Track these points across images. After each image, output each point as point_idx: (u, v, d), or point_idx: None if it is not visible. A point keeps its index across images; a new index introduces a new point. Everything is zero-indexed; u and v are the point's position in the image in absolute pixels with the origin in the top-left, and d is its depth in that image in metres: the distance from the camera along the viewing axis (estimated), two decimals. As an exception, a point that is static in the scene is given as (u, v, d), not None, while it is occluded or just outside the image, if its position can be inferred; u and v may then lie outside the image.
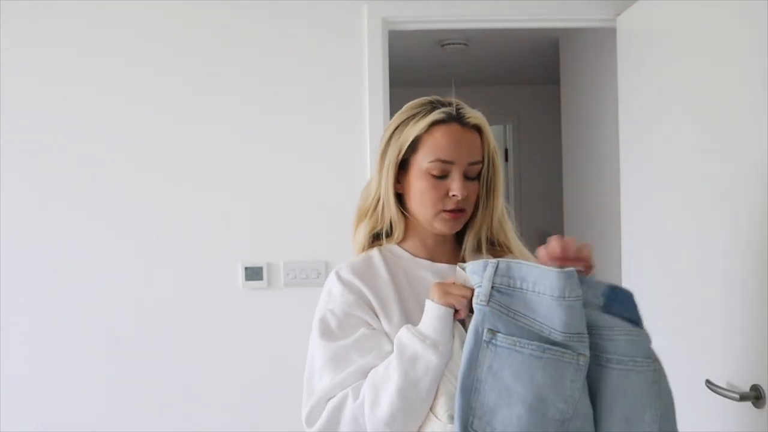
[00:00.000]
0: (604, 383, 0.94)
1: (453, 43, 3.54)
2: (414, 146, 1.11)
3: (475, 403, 0.91)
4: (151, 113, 2.16)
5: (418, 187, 1.12)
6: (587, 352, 0.92)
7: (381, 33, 2.18)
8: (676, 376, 1.75)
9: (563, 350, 0.91)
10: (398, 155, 1.12)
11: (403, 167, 1.14)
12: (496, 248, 1.19)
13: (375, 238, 1.21)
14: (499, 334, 0.92)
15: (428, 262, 1.16)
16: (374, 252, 1.19)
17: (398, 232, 1.17)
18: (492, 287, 0.94)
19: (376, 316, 1.10)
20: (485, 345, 0.93)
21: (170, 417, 2.15)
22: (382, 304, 1.11)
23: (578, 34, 3.17)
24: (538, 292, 0.93)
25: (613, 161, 2.42)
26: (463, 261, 1.15)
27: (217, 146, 2.17)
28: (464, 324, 1.01)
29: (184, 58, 2.17)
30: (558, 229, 3.83)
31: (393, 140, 1.13)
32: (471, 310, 0.97)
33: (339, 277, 1.14)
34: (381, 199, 1.16)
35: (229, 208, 2.18)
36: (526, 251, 1.21)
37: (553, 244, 1.00)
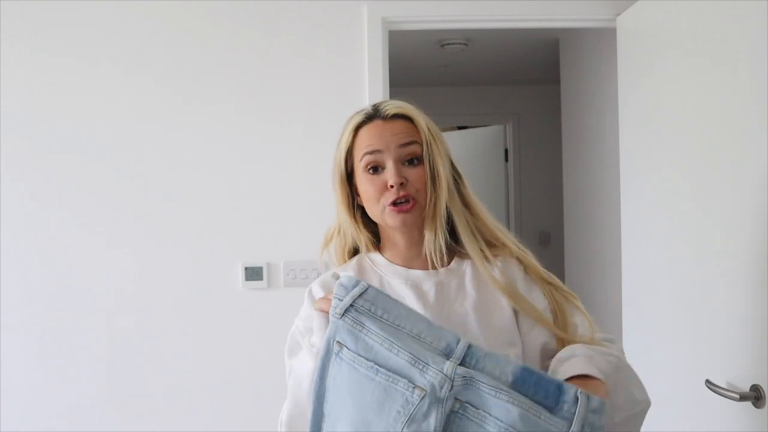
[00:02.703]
0: None
1: (453, 43, 3.54)
2: (350, 155, 1.14)
3: (325, 410, 0.94)
4: (150, 114, 2.16)
5: (362, 188, 1.13)
6: (427, 387, 0.87)
7: (381, 33, 2.18)
8: (676, 376, 1.76)
9: (398, 378, 0.89)
10: (340, 171, 1.15)
11: (352, 181, 1.16)
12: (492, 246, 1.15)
13: (352, 254, 1.23)
14: (345, 349, 0.94)
15: (403, 269, 1.15)
16: (353, 261, 1.21)
17: (367, 246, 1.19)
18: (352, 305, 0.95)
19: None
20: (334, 356, 0.94)
21: (170, 417, 2.15)
22: None
23: (578, 34, 3.17)
24: (397, 326, 0.94)
25: (613, 161, 2.42)
26: (433, 264, 1.13)
27: (217, 147, 2.17)
28: None
29: (182, 59, 2.17)
30: (558, 229, 3.84)
31: (335, 161, 1.17)
32: None
33: (309, 293, 1.18)
34: (339, 222, 1.21)
35: (230, 208, 2.18)
36: (508, 237, 1.16)
37: None
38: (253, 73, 2.18)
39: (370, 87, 2.17)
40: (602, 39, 2.74)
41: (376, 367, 0.91)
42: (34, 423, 2.13)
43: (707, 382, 1.55)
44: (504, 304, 1.10)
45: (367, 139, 1.11)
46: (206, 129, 2.17)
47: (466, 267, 1.14)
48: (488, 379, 0.88)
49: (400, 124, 1.11)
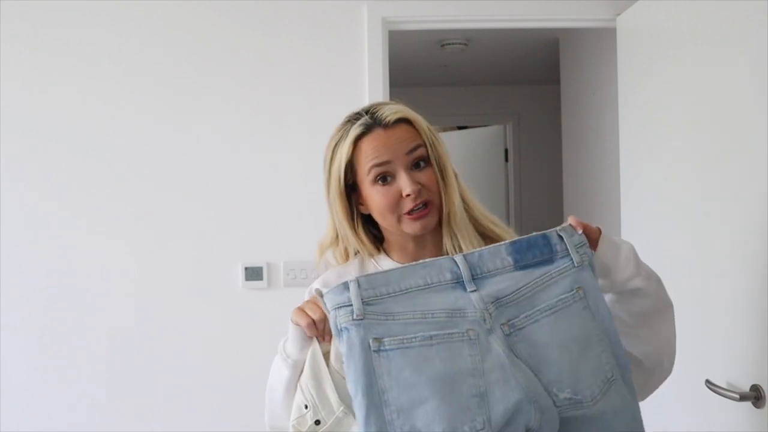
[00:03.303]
0: (539, 335, 0.95)
1: (453, 43, 3.54)
2: (351, 168, 1.10)
3: (390, 415, 0.89)
4: (150, 114, 2.16)
5: (373, 201, 1.10)
6: (474, 325, 0.93)
7: (381, 33, 2.18)
8: (676, 376, 1.75)
9: (450, 332, 0.92)
10: (339, 184, 1.11)
11: (355, 189, 1.13)
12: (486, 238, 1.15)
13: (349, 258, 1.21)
14: (385, 339, 0.92)
15: None
16: (355, 261, 1.19)
17: (370, 252, 1.17)
18: (362, 302, 0.93)
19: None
20: (376, 355, 0.91)
21: (170, 417, 2.15)
22: None
23: (578, 34, 3.17)
24: (406, 289, 0.95)
25: (613, 161, 2.42)
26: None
27: (217, 147, 2.17)
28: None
29: (183, 59, 2.17)
30: (558, 229, 3.84)
31: (331, 171, 1.13)
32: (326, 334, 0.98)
33: (309, 291, 1.16)
34: (338, 232, 1.17)
35: (230, 208, 2.18)
36: (505, 229, 1.18)
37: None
38: (253, 74, 2.18)
39: (370, 87, 2.17)
40: (602, 39, 2.74)
41: (426, 334, 0.91)
42: (34, 423, 2.13)
43: (707, 382, 1.55)
44: None
45: (372, 151, 1.08)
46: (206, 129, 2.17)
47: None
48: (502, 283, 0.96)
49: (402, 130, 1.09)
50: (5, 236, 2.12)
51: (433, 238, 1.14)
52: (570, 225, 1.02)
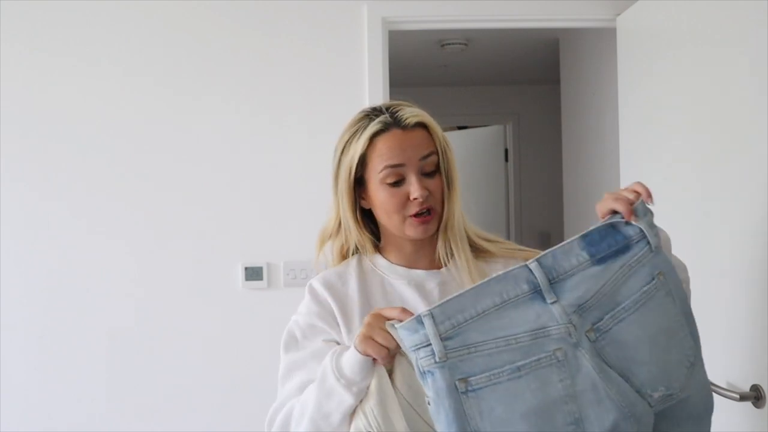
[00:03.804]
0: (627, 335, 0.91)
1: (453, 43, 3.54)
2: (363, 162, 1.10)
3: None
4: (149, 114, 2.16)
5: (378, 200, 1.10)
6: (560, 344, 0.88)
7: (381, 33, 2.18)
8: (676, 376, 1.75)
9: (537, 358, 0.88)
10: (350, 176, 1.11)
11: (361, 184, 1.13)
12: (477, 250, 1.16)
13: (346, 254, 1.21)
14: (472, 378, 0.87)
15: (404, 269, 1.15)
16: (353, 261, 1.18)
17: (368, 249, 1.17)
18: (441, 339, 0.88)
19: (339, 327, 1.11)
20: (464, 396, 0.87)
21: (170, 417, 2.15)
22: (345, 316, 1.11)
23: (578, 34, 3.17)
24: (483, 312, 0.89)
25: (613, 161, 2.42)
26: (442, 266, 1.14)
27: (217, 147, 2.17)
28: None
29: (183, 59, 2.17)
30: (558, 229, 3.84)
31: (342, 162, 1.13)
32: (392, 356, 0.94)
33: (309, 289, 1.15)
34: (341, 222, 1.16)
35: (230, 208, 2.18)
36: (490, 239, 1.18)
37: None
38: (253, 74, 2.18)
39: (370, 87, 2.17)
40: (602, 39, 2.74)
41: (513, 365, 0.87)
42: (34, 423, 2.13)
43: (707, 382, 1.55)
44: None
45: (387, 151, 1.07)
46: (206, 129, 2.17)
47: (459, 266, 1.14)
48: (582, 285, 0.91)
49: (419, 135, 1.09)
50: (5, 236, 2.12)
51: (430, 242, 1.15)
52: (638, 198, 0.97)
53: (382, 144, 1.08)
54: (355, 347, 0.94)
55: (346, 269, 1.17)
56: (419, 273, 1.14)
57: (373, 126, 1.08)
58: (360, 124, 1.11)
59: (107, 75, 2.15)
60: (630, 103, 2.11)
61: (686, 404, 0.94)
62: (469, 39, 3.53)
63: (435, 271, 1.14)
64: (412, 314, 0.90)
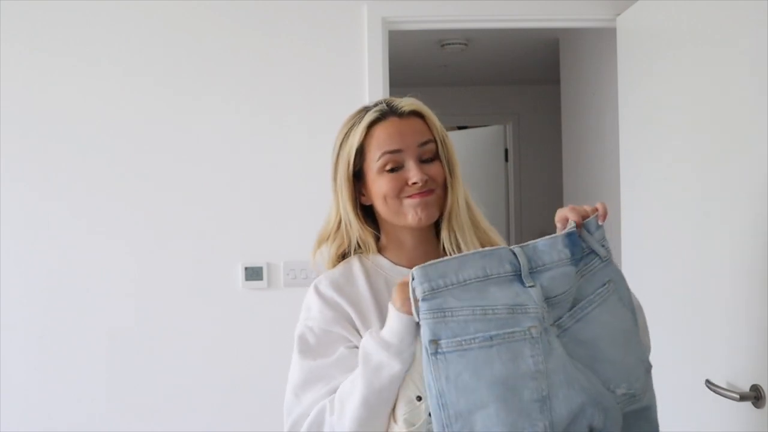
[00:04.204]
0: (586, 333, 0.94)
1: (453, 43, 3.55)
2: (361, 154, 1.10)
3: (449, 419, 0.87)
4: (150, 114, 2.16)
5: (378, 188, 1.09)
6: (536, 322, 0.89)
7: (381, 33, 2.18)
8: (677, 376, 1.76)
9: (512, 331, 0.88)
10: (348, 169, 1.10)
11: (360, 178, 1.12)
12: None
13: (343, 257, 1.19)
14: (442, 341, 0.88)
15: (408, 270, 1.08)
16: (354, 261, 1.16)
17: (370, 246, 1.15)
18: (419, 299, 0.90)
19: (356, 330, 1.08)
20: (434, 358, 0.88)
21: (170, 417, 2.15)
22: (361, 317, 1.08)
23: (578, 34, 3.17)
24: (464, 281, 0.91)
25: (613, 161, 2.42)
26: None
27: (217, 147, 2.17)
28: None
29: (183, 59, 2.17)
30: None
31: (341, 156, 1.12)
32: None
33: (318, 292, 1.12)
34: (342, 219, 1.14)
35: (229, 208, 2.18)
36: (500, 238, 1.17)
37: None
38: (253, 74, 2.18)
39: (370, 87, 2.17)
40: (602, 39, 2.74)
41: (486, 334, 0.88)
42: (34, 423, 2.13)
43: (707, 382, 1.55)
44: None
45: (386, 138, 1.08)
46: (206, 129, 2.17)
47: None
48: (555, 281, 0.94)
49: (416, 122, 1.10)
50: (5, 236, 2.12)
51: (430, 234, 1.15)
52: (593, 218, 1.01)
53: (380, 131, 1.08)
54: (397, 310, 0.94)
55: (350, 269, 1.15)
56: None
57: (370, 115, 1.09)
58: (357, 116, 1.12)
59: (107, 75, 2.15)
60: (630, 103, 2.11)
61: (649, 414, 0.96)
62: (469, 39, 3.53)
63: None
64: None
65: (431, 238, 1.15)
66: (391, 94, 2.24)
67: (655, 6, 1.94)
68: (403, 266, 1.14)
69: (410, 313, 0.92)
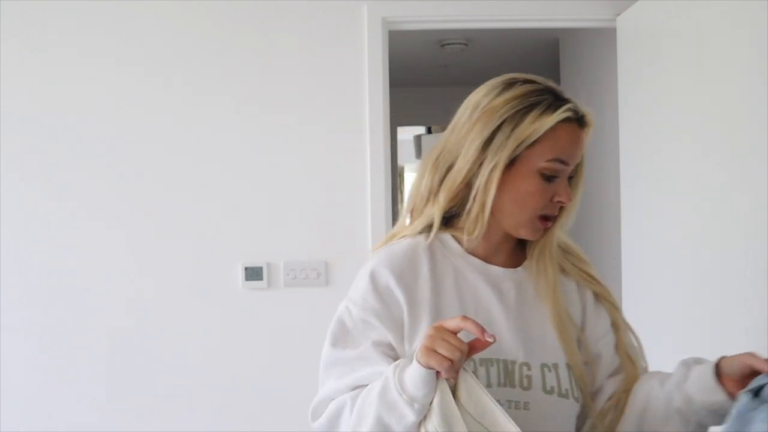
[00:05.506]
0: None
1: (453, 43, 3.54)
2: (532, 142, 0.97)
3: None
4: (150, 114, 2.16)
5: (524, 188, 0.97)
6: None
7: (381, 33, 2.18)
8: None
9: None
10: (515, 150, 0.96)
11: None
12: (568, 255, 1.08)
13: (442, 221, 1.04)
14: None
15: (480, 263, 1.03)
16: (421, 240, 1.03)
17: (478, 229, 1.00)
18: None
19: (401, 327, 0.99)
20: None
21: (170, 417, 2.15)
22: (413, 308, 0.99)
23: (578, 34, 3.17)
24: None
25: (613, 161, 2.42)
26: (517, 263, 1.05)
27: (217, 147, 2.17)
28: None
29: (184, 59, 2.17)
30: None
31: (503, 129, 0.96)
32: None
33: (372, 276, 1.00)
34: (474, 192, 0.98)
35: (229, 208, 2.18)
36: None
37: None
38: (253, 74, 2.18)
39: (370, 87, 2.17)
40: (602, 39, 2.74)
41: None
42: (34, 423, 2.13)
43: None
44: (574, 319, 1.04)
45: (566, 144, 0.98)
46: (206, 129, 2.17)
47: (541, 271, 1.05)
48: None
49: (585, 138, 1.02)
50: (5, 236, 2.12)
51: (514, 239, 1.06)
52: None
53: (564, 134, 0.98)
54: (417, 360, 0.86)
55: (416, 250, 1.02)
56: (497, 270, 1.03)
57: (564, 112, 0.98)
58: (542, 98, 0.99)
59: (107, 75, 2.15)
60: (630, 103, 2.11)
61: None
62: (469, 39, 3.53)
63: (512, 270, 1.04)
64: (472, 321, 0.84)
65: (516, 244, 1.07)
66: (391, 94, 2.25)
67: (655, 6, 1.94)
68: (477, 256, 1.03)
69: (429, 368, 0.85)
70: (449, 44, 3.55)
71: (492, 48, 3.76)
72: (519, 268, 1.05)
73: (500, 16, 2.24)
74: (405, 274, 1.00)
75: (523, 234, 1.01)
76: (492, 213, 0.99)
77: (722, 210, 1.57)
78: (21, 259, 2.13)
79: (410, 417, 0.87)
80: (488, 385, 0.94)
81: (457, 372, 0.86)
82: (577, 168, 1.03)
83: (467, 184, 0.99)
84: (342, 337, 1.01)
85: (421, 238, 1.03)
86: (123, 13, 2.15)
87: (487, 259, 1.04)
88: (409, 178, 7.64)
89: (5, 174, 2.12)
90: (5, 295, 2.12)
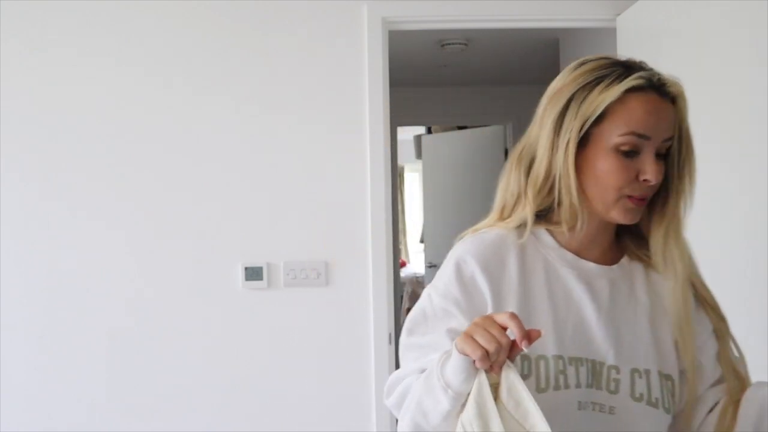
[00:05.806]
0: None
1: (453, 43, 3.54)
2: (601, 116, 0.91)
3: None
4: (150, 114, 2.16)
5: (600, 167, 0.91)
6: None
7: (381, 33, 2.18)
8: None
9: None
10: (582, 127, 0.91)
11: (581, 140, 0.92)
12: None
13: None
14: None
15: (573, 257, 0.97)
16: (513, 233, 0.98)
17: (579, 220, 0.95)
18: None
19: (483, 314, 0.92)
20: None
21: (170, 417, 2.15)
22: (497, 298, 0.94)
23: (578, 34, 3.17)
24: None
25: (613, 161, 2.42)
26: (613, 261, 0.99)
27: (217, 146, 2.17)
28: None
29: (184, 59, 2.17)
30: (558, 229, 3.84)
31: (572, 107, 0.92)
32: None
33: (457, 265, 0.96)
34: (556, 179, 0.93)
35: (230, 208, 2.18)
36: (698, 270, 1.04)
37: None
38: (253, 73, 2.18)
39: (370, 87, 2.17)
40: (602, 39, 2.74)
41: None
42: (34, 423, 2.13)
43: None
44: (670, 323, 0.97)
45: (642, 115, 0.89)
46: (206, 129, 2.17)
47: (637, 269, 1.00)
48: None
49: (671, 110, 0.92)
50: (5, 236, 2.12)
51: (610, 232, 1.00)
52: None
53: (637, 104, 0.90)
54: (455, 346, 0.82)
55: (505, 241, 0.98)
56: (590, 266, 0.97)
57: (633, 80, 0.91)
58: (610, 70, 0.93)
59: (107, 75, 2.15)
60: (630, 103, 2.11)
61: None
62: (469, 39, 3.53)
63: (606, 267, 0.98)
64: (518, 322, 0.80)
65: (611, 228, 1.00)
66: (391, 94, 2.24)
67: (655, 6, 1.94)
68: (570, 250, 0.98)
69: (464, 354, 0.81)
70: (449, 44, 3.55)
71: (492, 48, 3.76)
72: (614, 266, 0.99)
73: (500, 16, 2.24)
74: (491, 264, 0.96)
75: (616, 216, 0.93)
76: (581, 200, 0.94)
77: (722, 210, 1.57)
78: (21, 259, 2.13)
79: (444, 403, 0.84)
80: (577, 385, 0.91)
81: (498, 366, 0.82)
82: (680, 144, 0.94)
83: (550, 174, 0.94)
84: (421, 323, 0.98)
85: (513, 231, 0.99)
86: (123, 13, 2.15)
87: (580, 254, 0.98)
88: (409, 178, 7.63)
89: (5, 174, 2.12)
90: (5, 295, 2.12)
